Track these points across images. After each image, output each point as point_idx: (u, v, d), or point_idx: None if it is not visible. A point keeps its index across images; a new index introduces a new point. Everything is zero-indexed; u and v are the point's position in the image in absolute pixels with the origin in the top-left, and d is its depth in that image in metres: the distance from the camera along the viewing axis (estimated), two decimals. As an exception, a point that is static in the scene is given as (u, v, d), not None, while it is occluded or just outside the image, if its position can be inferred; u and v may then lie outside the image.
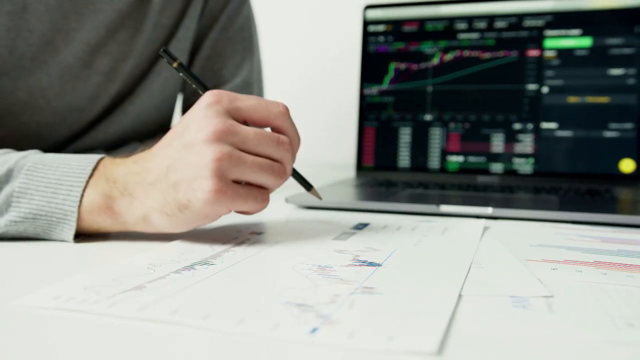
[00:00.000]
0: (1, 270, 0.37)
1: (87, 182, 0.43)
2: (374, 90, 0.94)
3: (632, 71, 0.82)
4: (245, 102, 0.43)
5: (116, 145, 0.71)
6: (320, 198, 0.51)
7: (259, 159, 0.42)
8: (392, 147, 0.92)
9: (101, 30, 0.64)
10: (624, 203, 0.66)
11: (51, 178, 0.43)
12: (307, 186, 0.50)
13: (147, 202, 0.42)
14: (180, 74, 0.47)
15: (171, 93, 0.77)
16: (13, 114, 0.62)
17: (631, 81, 0.82)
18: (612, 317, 0.28)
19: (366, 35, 0.95)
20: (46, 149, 0.53)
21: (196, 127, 0.41)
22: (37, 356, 0.24)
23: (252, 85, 0.79)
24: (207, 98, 0.42)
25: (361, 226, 0.52)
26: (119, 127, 0.71)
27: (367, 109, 0.94)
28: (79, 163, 0.44)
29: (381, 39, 0.95)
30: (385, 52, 0.94)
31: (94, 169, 0.43)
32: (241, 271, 0.36)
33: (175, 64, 0.46)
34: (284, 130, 0.44)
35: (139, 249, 0.42)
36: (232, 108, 0.42)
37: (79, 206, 0.42)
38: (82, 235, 0.44)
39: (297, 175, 0.50)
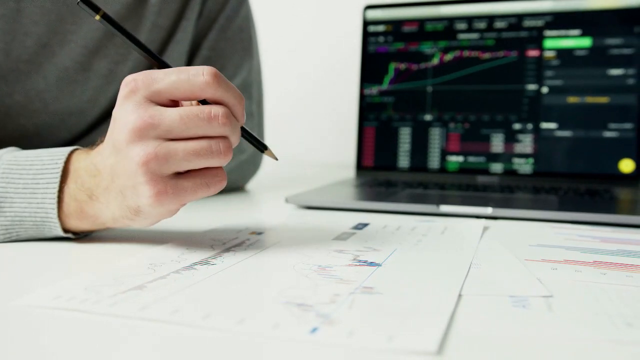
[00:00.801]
0: (1, 270, 0.37)
1: (61, 186, 0.42)
2: (373, 90, 0.94)
3: (631, 71, 0.82)
4: (164, 81, 0.38)
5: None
6: (276, 159, 0.46)
7: (192, 144, 0.38)
8: (392, 147, 0.92)
9: (98, 33, 0.64)
10: (623, 203, 0.66)
11: (27, 178, 0.43)
12: (261, 147, 0.45)
13: (109, 206, 0.41)
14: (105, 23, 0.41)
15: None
16: (10, 116, 0.62)
17: (631, 81, 0.82)
18: (611, 317, 0.28)
19: (366, 36, 0.95)
20: None
21: (119, 126, 0.38)
22: (37, 356, 0.24)
23: (252, 85, 0.79)
24: (123, 89, 0.39)
25: (361, 226, 0.52)
26: None
27: (367, 109, 0.94)
28: (51, 158, 0.43)
29: (381, 39, 0.95)
30: (385, 52, 0.94)
31: (67, 163, 0.43)
32: (241, 271, 0.36)
33: (97, 17, 0.40)
34: (216, 100, 0.39)
35: (139, 249, 0.42)
36: (151, 93, 0.38)
37: (59, 208, 0.42)
38: (84, 235, 0.45)
39: (248, 136, 0.44)
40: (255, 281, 0.34)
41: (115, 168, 0.39)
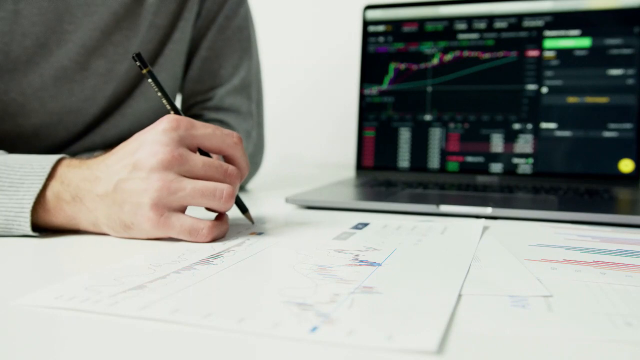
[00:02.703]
0: (2, 269, 0.37)
1: (46, 181, 0.44)
2: (373, 90, 0.94)
3: (631, 71, 0.82)
4: (201, 130, 0.45)
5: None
6: (252, 222, 0.52)
7: (200, 185, 0.43)
8: (392, 147, 0.92)
9: (96, 32, 0.64)
10: (622, 203, 0.66)
11: (13, 178, 0.45)
12: (243, 209, 0.51)
13: (95, 212, 0.44)
14: (150, 81, 0.48)
15: (169, 94, 0.77)
16: (8, 114, 0.62)
17: (630, 81, 0.82)
18: (611, 316, 0.28)
19: (366, 36, 0.95)
20: (44, 151, 0.53)
21: (148, 151, 0.43)
22: (38, 355, 0.24)
23: (251, 85, 0.79)
24: (165, 123, 0.44)
25: (361, 226, 0.52)
26: (117, 129, 0.71)
27: (367, 109, 0.94)
28: (40, 163, 0.45)
29: (381, 39, 0.95)
30: (385, 53, 0.94)
31: (54, 168, 0.45)
32: (241, 270, 0.36)
33: (145, 71, 0.48)
34: (235, 159, 0.47)
35: (139, 249, 0.42)
36: (188, 135, 0.44)
37: (35, 202, 0.44)
38: (42, 231, 0.46)
39: (237, 200, 0.51)
40: (255, 281, 0.34)
41: (124, 182, 0.43)
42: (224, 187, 0.44)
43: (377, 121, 0.94)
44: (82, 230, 0.46)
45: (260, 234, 0.48)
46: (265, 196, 0.76)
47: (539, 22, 0.87)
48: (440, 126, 0.90)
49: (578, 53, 0.85)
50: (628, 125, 0.82)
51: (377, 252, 0.41)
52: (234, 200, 0.45)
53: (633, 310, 0.29)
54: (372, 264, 0.38)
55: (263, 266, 0.38)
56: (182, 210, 0.44)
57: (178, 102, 0.83)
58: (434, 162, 0.90)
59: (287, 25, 1.34)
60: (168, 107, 0.48)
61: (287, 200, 0.64)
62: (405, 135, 0.92)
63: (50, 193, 0.44)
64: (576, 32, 0.85)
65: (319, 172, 1.09)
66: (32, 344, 0.25)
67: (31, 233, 0.45)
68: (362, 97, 0.95)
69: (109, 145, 0.70)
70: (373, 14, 0.96)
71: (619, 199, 0.67)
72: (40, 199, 0.44)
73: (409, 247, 0.43)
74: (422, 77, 0.92)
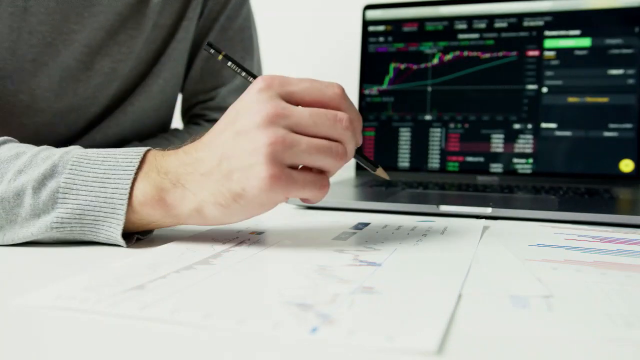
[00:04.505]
0: (2, 270, 0.37)
1: (136, 174, 0.41)
2: (373, 90, 0.94)
3: (631, 71, 0.82)
4: (298, 85, 0.41)
5: (116, 146, 0.71)
6: (387, 178, 0.49)
7: (316, 141, 0.40)
8: (392, 147, 0.92)
9: (101, 32, 0.65)
10: (623, 203, 0.66)
11: (97, 172, 0.41)
12: (373, 166, 0.48)
13: (200, 193, 0.40)
14: (230, 64, 0.46)
15: (170, 94, 0.77)
16: (15, 115, 0.62)
17: (630, 81, 0.82)
18: (611, 317, 0.28)
19: (366, 36, 0.95)
20: None
21: (248, 114, 0.40)
22: (38, 355, 0.24)
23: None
24: (258, 83, 0.41)
25: (361, 226, 0.52)
26: (118, 127, 0.71)
27: (367, 109, 0.94)
28: (125, 156, 0.42)
29: (381, 39, 0.95)
30: (385, 53, 0.94)
31: (142, 161, 0.42)
32: (241, 271, 0.36)
33: (220, 56, 0.46)
34: (341, 110, 0.42)
35: (139, 249, 0.42)
36: (285, 92, 0.41)
37: (129, 198, 0.41)
38: (133, 238, 0.43)
39: (360, 155, 0.47)
40: (255, 281, 0.34)
41: (229, 151, 0.40)
42: (339, 144, 0.40)
43: (377, 121, 0.94)
44: (180, 223, 0.42)
45: (260, 234, 0.48)
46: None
47: (539, 22, 0.87)
48: (440, 126, 0.90)
49: (578, 53, 0.85)
50: (628, 125, 0.82)
51: (377, 252, 0.41)
52: (347, 156, 0.41)
53: (633, 310, 0.29)
54: (372, 264, 0.38)
55: (263, 266, 0.38)
56: (296, 169, 0.40)
57: (178, 102, 0.83)
58: (434, 162, 0.90)
59: (287, 25, 1.34)
60: (252, 79, 0.45)
61: (288, 201, 0.64)
62: (405, 135, 0.92)
63: (147, 185, 0.41)
64: (576, 32, 0.85)
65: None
66: (32, 344, 0.25)
67: (119, 239, 0.41)
68: (362, 97, 0.95)
69: (110, 143, 0.70)
70: (373, 14, 0.96)
71: (619, 199, 0.67)
72: (135, 198, 0.41)
73: (409, 247, 0.43)
74: (422, 77, 0.92)
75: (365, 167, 0.48)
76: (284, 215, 0.59)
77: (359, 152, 0.46)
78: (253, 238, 0.46)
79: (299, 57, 1.34)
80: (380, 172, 0.48)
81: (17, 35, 0.59)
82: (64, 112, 0.65)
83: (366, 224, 0.53)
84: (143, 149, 0.43)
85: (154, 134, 0.76)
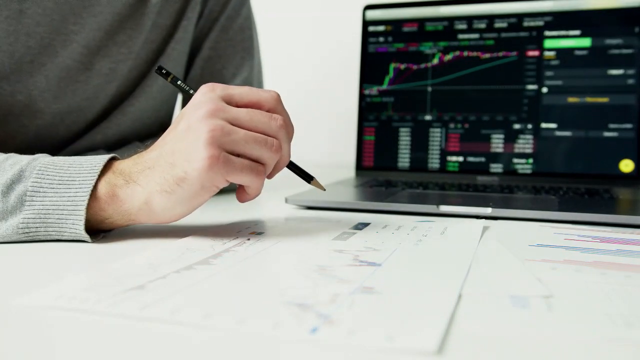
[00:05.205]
0: (2, 270, 0.37)
1: (99, 177, 0.44)
2: (373, 90, 0.94)
3: (631, 71, 0.82)
4: (237, 89, 0.46)
5: (116, 146, 0.71)
6: (323, 189, 0.52)
7: (252, 133, 0.44)
8: (392, 147, 0.92)
9: (100, 33, 0.64)
10: (623, 203, 0.66)
11: (63, 176, 0.44)
12: (307, 178, 0.51)
13: (148, 185, 0.43)
14: (179, 83, 0.51)
15: (170, 94, 0.77)
16: (13, 115, 0.62)
17: (630, 81, 0.82)
18: (611, 317, 0.28)
19: (366, 36, 0.95)
20: (45, 151, 0.53)
21: (192, 111, 0.44)
22: (38, 355, 0.24)
23: (252, 85, 0.79)
24: (202, 89, 0.45)
25: (361, 226, 0.52)
26: (118, 128, 0.71)
27: (367, 109, 0.94)
28: (90, 162, 0.45)
29: (381, 39, 0.95)
30: (385, 53, 0.94)
31: (105, 167, 0.45)
32: (241, 271, 0.36)
33: (169, 79, 0.51)
34: (276, 113, 0.46)
35: (139, 249, 0.42)
36: (225, 94, 0.45)
37: (90, 197, 0.43)
38: (99, 235, 0.45)
39: (294, 167, 0.51)
40: (255, 281, 0.34)
41: (174, 145, 0.44)
42: (274, 139, 0.44)
43: (377, 121, 0.94)
44: (131, 222, 0.45)
45: (260, 234, 0.48)
46: (265, 196, 0.76)
47: (539, 22, 0.87)
48: (440, 126, 0.90)
49: (578, 53, 0.85)
50: (628, 125, 0.82)
51: (377, 252, 0.41)
52: (280, 153, 0.45)
53: (633, 310, 0.29)
54: (372, 264, 0.38)
55: (263, 266, 0.38)
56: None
57: (178, 103, 0.83)
58: (434, 162, 0.90)
59: (287, 25, 1.34)
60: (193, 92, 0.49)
61: (287, 201, 0.64)
62: (405, 136, 0.92)
63: (103, 184, 0.44)
64: (576, 32, 0.85)
65: (319, 172, 1.08)
66: (32, 344, 0.25)
67: (83, 234, 0.43)
68: (362, 97, 0.95)
69: (110, 143, 0.70)
70: (373, 14, 0.96)
71: (619, 199, 0.67)
72: (92, 196, 0.43)
73: (409, 248, 0.43)
74: (422, 77, 0.92)
75: (300, 177, 0.51)
76: (284, 215, 0.59)
77: (292, 164, 0.50)
78: (253, 238, 0.46)
79: (299, 57, 1.34)
80: (315, 184, 0.51)
81: (15, 39, 0.59)
82: (64, 113, 0.65)
83: (366, 224, 0.53)
84: (107, 156, 0.46)
85: (154, 134, 0.76)
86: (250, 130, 0.44)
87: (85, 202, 0.43)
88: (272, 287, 0.33)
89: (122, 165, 0.45)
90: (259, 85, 0.82)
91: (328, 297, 0.30)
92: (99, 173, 0.44)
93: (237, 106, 0.45)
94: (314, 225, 0.52)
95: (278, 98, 0.47)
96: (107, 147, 0.70)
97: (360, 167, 0.94)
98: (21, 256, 0.40)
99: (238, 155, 0.44)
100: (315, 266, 0.37)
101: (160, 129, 0.78)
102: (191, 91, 0.50)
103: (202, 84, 0.81)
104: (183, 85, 0.52)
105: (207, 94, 0.45)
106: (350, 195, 0.70)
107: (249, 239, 0.45)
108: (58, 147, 0.68)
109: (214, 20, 0.76)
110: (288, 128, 0.46)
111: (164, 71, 0.52)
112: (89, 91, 0.66)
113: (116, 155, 0.47)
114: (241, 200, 0.48)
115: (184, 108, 0.46)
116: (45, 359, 0.24)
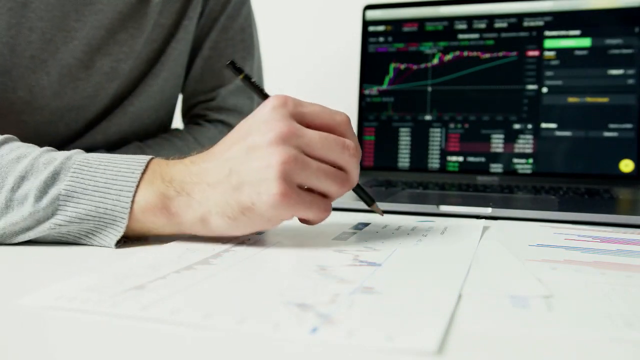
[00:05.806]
0: (3, 270, 0.37)
1: (139, 183, 0.41)
2: (373, 90, 0.94)
3: (631, 71, 0.82)
4: (309, 107, 0.43)
5: (116, 146, 0.71)
6: (381, 214, 0.50)
7: (324, 166, 0.41)
8: (392, 147, 0.92)
9: (101, 31, 0.64)
10: (623, 203, 0.66)
11: (99, 180, 0.41)
12: (369, 201, 0.49)
13: (206, 203, 0.41)
14: (253, 81, 0.48)
15: (171, 94, 0.77)
16: (14, 112, 0.62)
17: (630, 81, 0.82)
18: (611, 317, 0.28)
19: (366, 36, 0.96)
20: None
21: (261, 130, 0.40)
22: (39, 355, 0.24)
23: (252, 85, 0.79)
24: (272, 101, 0.42)
25: (361, 226, 0.52)
26: (118, 127, 0.71)
27: (367, 109, 0.94)
28: (127, 165, 0.42)
29: (381, 39, 0.95)
30: (385, 53, 0.94)
31: (145, 170, 0.42)
32: (241, 271, 0.36)
33: (241, 76, 0.48)
34: (346, 137, 0.43)
35: (139, 249, 0.42)
36: (297, 112, 0.42)
37: (131, 208, 0.41)
38: (122, 240, 0.42)
39: (359, 189, 0.49)
40: (255, 281, 0.34)
41: (239, 165, 0.40)
42: (345, 172, 0.42)
43: (377, 121, 0.94)
44: (182, 231, 0.42)
45: (260, 234, 0.48)
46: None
47: (539, 22, 0.87)
48: (440, 126, 0.90)
49: (578, 53, 0.85)
50: (628, 125, 0.82)
51: (377, 252, 0.41)
52: (355, 184, 0.44)
53: (633, 311, 0.29)
54: (372, 264, 0.38)
55: (263, 266, 0.38)
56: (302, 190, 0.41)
57: (179, 102, 0.83)
58: (434, 162, 0.90)
59: (287, 25, 1.34)
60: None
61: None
62: (405, 135, 0.92)
63: (150, 193, 0.41)
64: (576, 32, 0.85)
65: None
66: (33, 344, 0.25)
67: (113, 245, 0.41)
68: (362, 97, 0.95)
69: (110, 143, 0.70)
70: (373, 14, 0.96)
71: (619, 199, 0.67)
72: (134, 204, 0.41)
73: (409, 247, 0.43)
74: (422, 77, 0.92)
75: (362, 199, 0.49)
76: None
77: (358, 185, 0.48)
78: (253, 238, 0.46)
79: (299, 57, 1.34)
80: (375, 208, 0.50)
81: (17, 32, 0.59)
82: (64, 110, 0.65)
83: (366, 224, 0.53)
84: (147, 158, 0.43)
85: (154, 134, 0.76)
86: (322, 159, 0.41)
87: (126, 218, 0.41)
88: (272, 287, 0.33)
89: (171, 171, 0.42)
90: (259, 84, 0.82)
91: (328, 297, 0.30)
92: (137, 181, 0.41)
93: (308, 127, 0.42)
94: (313, 225, 0.52)
95: (349, 122, 0.44)
96: (107, 147, 0.70)
97: (360, 167, 0.94)
98: (22, 256, 0.40)
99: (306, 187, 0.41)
100: (315, 266, 0.37)
101: (160, 129, 0.78)
102: (264, 91, 0.47)
103: (202, 83, 0.81)
104: (257, 84, 0.48)
105: (278, 110, 0.41)
106: (350, 195, 0.69)
107: (249, 239, 0.45)
108: (57, 145, 0.68)
109: (215, 20, 0.76)
110: (358, 154, 0.43)
111: (237, 66, 0.48)
112: (89, 89, 0.66)
113: (154, 157, 0.44)
114: (302, 222, 0.45)
115: (251, 118, 0.42)
116: (45, 359, 0.24)
